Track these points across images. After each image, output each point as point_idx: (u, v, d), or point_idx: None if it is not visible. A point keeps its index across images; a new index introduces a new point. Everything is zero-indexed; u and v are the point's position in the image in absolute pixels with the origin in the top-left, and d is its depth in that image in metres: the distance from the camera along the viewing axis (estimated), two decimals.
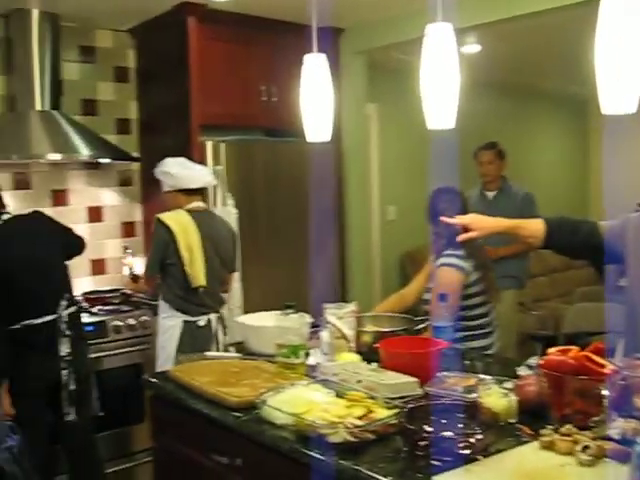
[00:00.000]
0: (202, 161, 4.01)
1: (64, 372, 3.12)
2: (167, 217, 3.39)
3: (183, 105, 4.12)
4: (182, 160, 3.52)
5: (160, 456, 2.63)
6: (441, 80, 2.19)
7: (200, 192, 3.54)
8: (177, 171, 3.43)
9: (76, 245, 3.52)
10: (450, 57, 2.19)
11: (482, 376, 2.19)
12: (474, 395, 1.98)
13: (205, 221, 3.47)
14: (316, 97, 2.71)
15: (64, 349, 3.13)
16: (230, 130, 4.27)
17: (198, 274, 3.39)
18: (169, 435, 2.53)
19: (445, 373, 2.23)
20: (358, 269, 4.88)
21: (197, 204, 3.50)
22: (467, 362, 2.49)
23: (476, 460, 1.67)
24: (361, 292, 4.75)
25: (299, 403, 2.02)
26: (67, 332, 3.15)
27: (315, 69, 2.71)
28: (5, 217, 3.14)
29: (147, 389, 2.63)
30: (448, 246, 3.00)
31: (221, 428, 2.18)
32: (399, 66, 5.27)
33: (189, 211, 3.45)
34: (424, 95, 2.23)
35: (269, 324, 2.68)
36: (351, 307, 2.68)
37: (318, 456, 1.81)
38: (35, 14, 3.99)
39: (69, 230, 3.45)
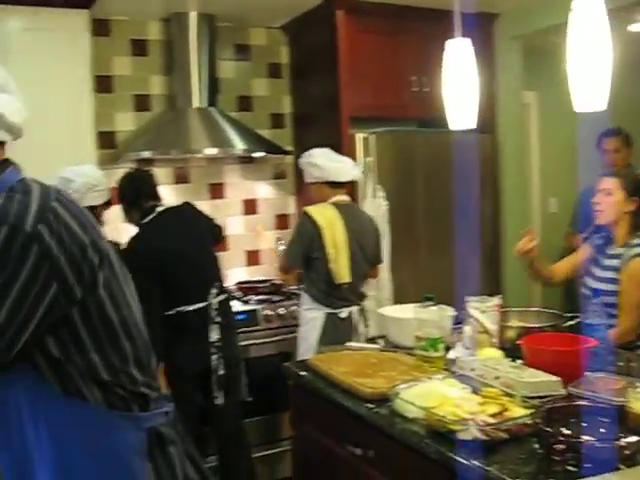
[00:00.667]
0: (352, 153, 4.01)
1: (214, 357, 3.24)
2: (315, 212, 3.39)
3: (334, 98, 4.15)
4: (328, 151, 3.51)
5: (299, 444, 2.66)
6: (589, 58, 2.04)
7: (345, 185, 3.53)
8: (324, 163, 3.43)
9: (219, 235, 3.64)
10: (600, 33, 2.03)
11: (635, 379, 2.03)
12: (621, 399, 1.84)
13: (350, 215, 3.46)
14: (459, 83, 2.63)
15: (214, 335, 3.25)
16: (380, 122, 4.24)
17: (342, 271, 3.38)
18: (308, 423, 2.56)
19: (594, 374, 2.09)
20: (514, 263, 4.70)
21: (342, 197, 3.49)
22: (621, 364, 2.32)
23: (618, 469, 1.55)
24: (518, 286, 4.56)
25: (432, 397, 1.97)
26: (217, 319, 3.26)
27: (458, 54, 2.63)
28: (159, 209, 3.30)
29: (288, 377, 2.67)
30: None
31: (355, 419, 2.17)
32: (559, 51, 5.01)
33: (335, 205, 3.45)
34: (570, 75, 2.09)
35: (409, 316, 2.63)
36: (495, 301, 2.58)
37: (446, 453, 1.75)
38: (193, 16, 4.17)
39: (212, 220, 3.57)
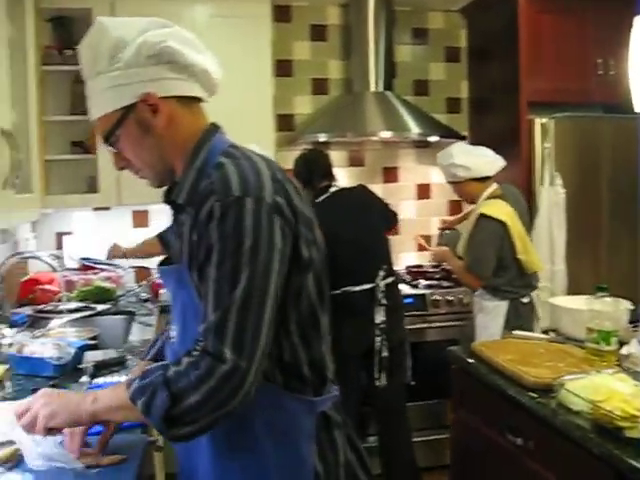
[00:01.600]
0: (530, 139, 3.89)
1: (378, 339, 3.27)
2: (493, 211, 3.29)
3: (512, 82, 4.02)
4: (465, 147, 3.45)
5: (458, 429, 2.63)
6: None
7: (492, 176, 3.43)
8: (466, 161, 3.34)
9: (392, 220, 3.64)
10: None
11: None
12: None
13: (512, 201, 3.37)
14: None
15: (379, 317, 3.27)
16: (560, 107, 4.06)
17: (533, 259, 3.30)
18: (468, 409, 2.52)
19: None
20: None
21: (493, 187, 3.40)
22: None
23: None
24: None
25: (600, 391, 1.87)
26: (383, 301, 3.28)
27: None
28: (333, 190, 3.37)
29: (451, 361, 2.64)
30: None
31: (517, 407, 2.11)
32: None
33: (498, 197, 3.36)
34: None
35: (582, 307, 2.51)
36: None
37: (612, 450, 1.67)
38: (371, 1, 4.20)
39: (387, 205, 3.58)
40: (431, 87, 4.61)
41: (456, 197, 4.59)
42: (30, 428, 1.37)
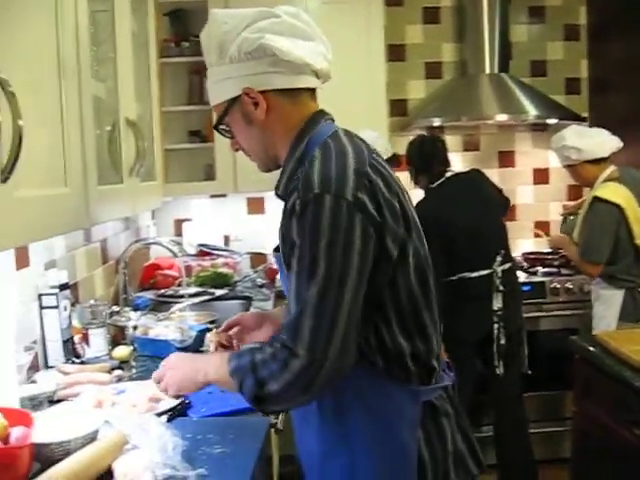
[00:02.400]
0: None
1: (495, 326, 3.20)
2: (609, 194, 3.18)
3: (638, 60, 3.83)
4: (579, 129, 3.34)
5: (580, 421, 2.55)
6: None
7: (608, 157, 3.28)
8: (580, 143, 3.23)
9: (506, 206, 3.54)
10: None
11: None
12: None
13: (632, 184, 3.22)
14: None
15: (497, 304, 3.20)
16: None
17: None
18: (591, 401, 2.44)
19: None
20: None
21: (610, 169, 3.26)
22: None
23: None
24: None
25: None
26: (500, 287, 3.21)
27: None
28: (448, 175, 3.32)
29: (574, 351, 2.56)
30: None
31: None
32: None
33: (615, 179, 3.23)
34: None
35: None
36: None
37: None
38: None
39: (501, 190, 3.49)
40: (549, 67, 4.45)
41: (574, 182, 4.46)
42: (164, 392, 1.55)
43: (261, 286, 3.74)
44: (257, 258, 4.11)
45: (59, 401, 1.93)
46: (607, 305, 3.23)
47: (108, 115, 1.96)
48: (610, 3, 4.19)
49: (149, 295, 3.32)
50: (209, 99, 1.49)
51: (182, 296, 3.32)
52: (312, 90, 1.46)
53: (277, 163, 1.48)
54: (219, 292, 3.41)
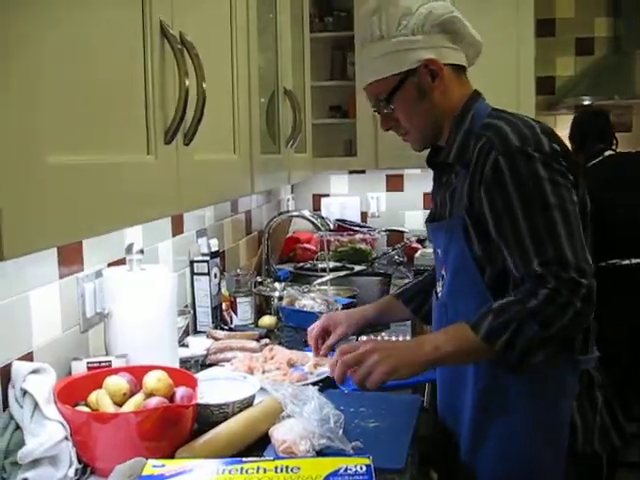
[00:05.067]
0: None
1: None
2: None
3: None
4: None
5: None
6: None
7: None
8: None
9: None
10: None
11: None
12: None
13: None
14: None
15: None
16: None
17: None
18: None
19: None
20: None
21: None
22: None
23: None
24: None
25: None
26: None
27: None
28: (607, 154, 3.15)
29: None
30: None
31: None
32: None
33: None
34: None
35: None
36: None
37: None
38: None
39: None
40: None
41: None
42: (362, 381, 1.38)
43: (399, 264, 3.71)
44: (395, 236, 4.07)
45: (210, 365, 1.99)
46: None
47: (268, 85, 1.98)
48: None
49: (289, 267, 3.36)
50: (365, 74, 1.51)
51: (322, 270, 3.34)
52: (466, 69, 1.53)
53: (437, 138, 1.53)
54: (358, 268, 3.41)
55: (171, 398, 1.39)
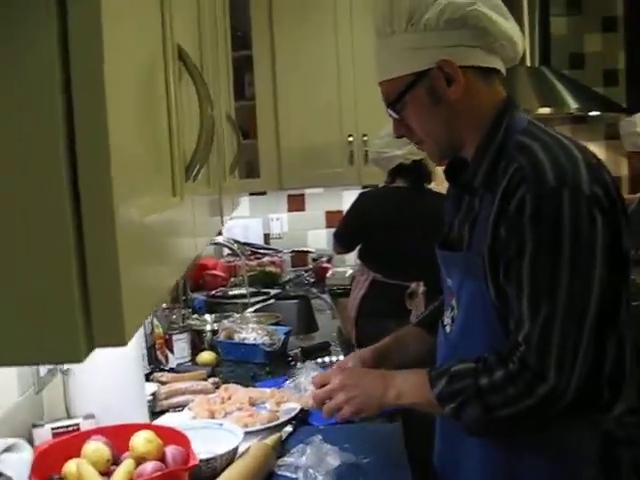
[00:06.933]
0: None
1: None
2: None
3: None
4: None
5: None
6: None
7: None
8: None
9: None
10: None
11: None
12: None
13: None
14: None
15: None
16: None
17: None
18: None
19: None
20: None
21: None
22: None
23: None
24: None
25: None
26: None
27: None
28: None
29: None
30: None
31: None
32: None
33: None
34: None
35: None
36: None
37: None
38: None
39: None
40: (587, 59, 4.40)
41: (616, 173, 4.42)
42: (330, 415, 1.37)
43: (311, 285, 3.66)
44: (299, 256, 4.01)
45: (162, 412, 1.84)
46: None
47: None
48: None
49: (201, 296, 3.23)
50: (379, 72, 1.31)
51: (235, 296, 3.24)
52: (500, 73, 1.29)
53: (456, 151, 1.32)
54: (273, 292, 3.32)
55: (162, 458, 1.26)
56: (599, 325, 1.15)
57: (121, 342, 0.53)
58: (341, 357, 2.25)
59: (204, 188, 1.21)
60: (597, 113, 4.05)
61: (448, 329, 1.39)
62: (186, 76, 0.96)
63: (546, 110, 3.92)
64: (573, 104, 3.90)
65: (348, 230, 3.08)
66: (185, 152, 0.96)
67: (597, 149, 4.40)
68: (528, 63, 4.06)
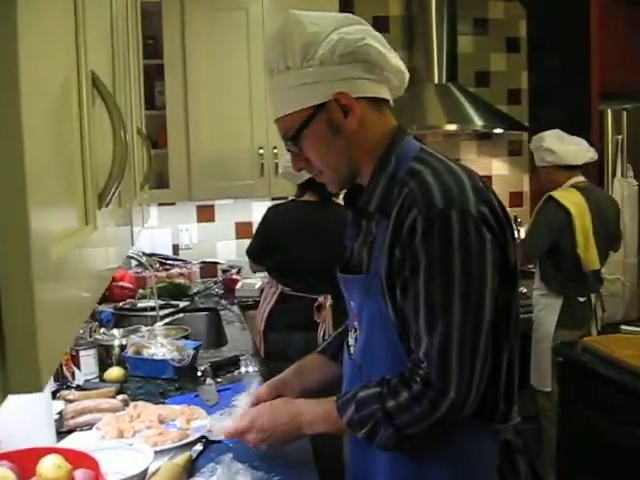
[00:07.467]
0: (601, 130, 3.85)
1: None
2: (563, 197, 3.24)
3: (578, 73, 3.97)
4: (560, 134, 3.38)
5: (565, 423, 2.62)
6: None
7: (581, 167, 3.37)
8: (557, 146, 3.30)
9: None
10: None
11: None
12: None
13: (593, 198, 3.30)
14: None
15: None
16: (631, 96, 4.01)
17: (592, 258, 3.24)
18: (578, 404, 2.51)
19: None
20: None
21: (579, 178, 3.35)
22: None
23: None
24: None
25: None
26: None
27: None
28: None
29: (557, 356, 2.63)
30: None
31: None
32: None
33: (577, 188, 3.31)
34: None
35: None
36: None
37: None
38: None
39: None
40: (492, 78, 4.56)
41: (517, 189, 4.60)
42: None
43: (220, 297, 3.64)
44: (208, 268, 3.99)
45: (70, 432, 1.80)
46: (547, 311, 3.31)
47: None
48: (547, 18, 4.33)
49: (109, 308, 3.16)
50: (274, 108, 1.34)
51: (144, 309, 3.19)
52: (389, 103, 1.36)
53: (355, 179, 1.36)
54: (182, 304, 3.29)
55: None
56: (494, 338, 1.22)
57: (37, 388, 0.52)
58: (250, 369, 2.30)
59: (116, 209, 1.19)
60: (501, 131, 4.21)
61: (352, 350, 1.42)
62: (99, 100, 0.95)
63: (453, 127, 4.04)
64: (478, 121, 4.03)
65: (260, 244, 3.09)
66: (98, 177, 0.94)
67: (501, 165, 4.58)
68: (436, 80, 4.18)
